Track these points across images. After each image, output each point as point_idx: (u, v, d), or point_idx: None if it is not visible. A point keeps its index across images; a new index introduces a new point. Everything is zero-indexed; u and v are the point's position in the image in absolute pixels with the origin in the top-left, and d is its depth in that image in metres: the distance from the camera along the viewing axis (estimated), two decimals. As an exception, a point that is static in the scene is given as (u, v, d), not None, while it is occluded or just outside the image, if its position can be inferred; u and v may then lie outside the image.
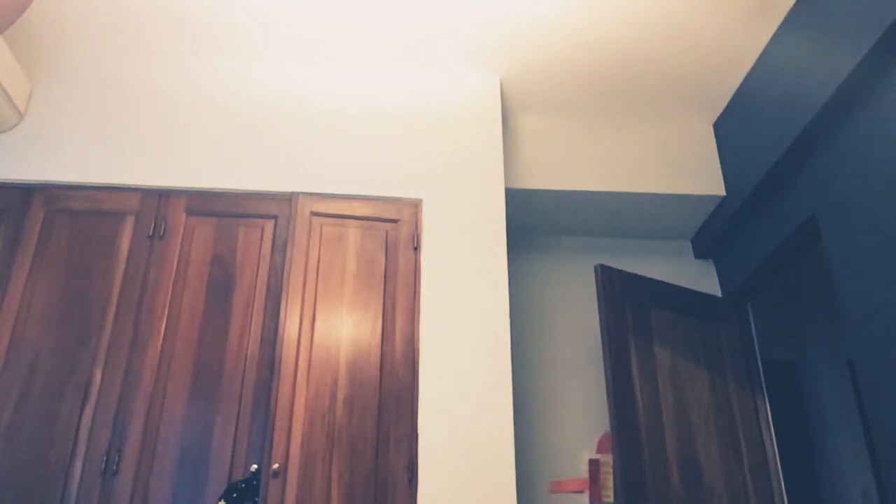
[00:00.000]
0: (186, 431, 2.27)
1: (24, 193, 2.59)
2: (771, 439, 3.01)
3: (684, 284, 3.44)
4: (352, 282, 2.52)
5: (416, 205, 2.69)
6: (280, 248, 2.57)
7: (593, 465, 2.59)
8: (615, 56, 2.89)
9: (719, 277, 3.45)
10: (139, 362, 2.35)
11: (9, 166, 2.64)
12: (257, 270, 2.53)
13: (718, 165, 3.21)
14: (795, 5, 2.60)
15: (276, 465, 2.20)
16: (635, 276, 2.97)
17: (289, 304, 2.43)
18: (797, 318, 4.20)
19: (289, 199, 2.66)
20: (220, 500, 2.15)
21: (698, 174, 3.19)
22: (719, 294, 3.41)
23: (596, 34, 2.78)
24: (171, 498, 2.19)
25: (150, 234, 2.56)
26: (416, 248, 2.61)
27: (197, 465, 2.23)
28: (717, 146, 3.26)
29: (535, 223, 3.44)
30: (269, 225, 2.62)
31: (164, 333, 2.40)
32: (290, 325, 2.40)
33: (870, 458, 3.61)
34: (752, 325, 3.29)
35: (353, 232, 2.61)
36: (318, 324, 2.43)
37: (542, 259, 3.45)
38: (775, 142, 2.68)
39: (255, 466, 2.22)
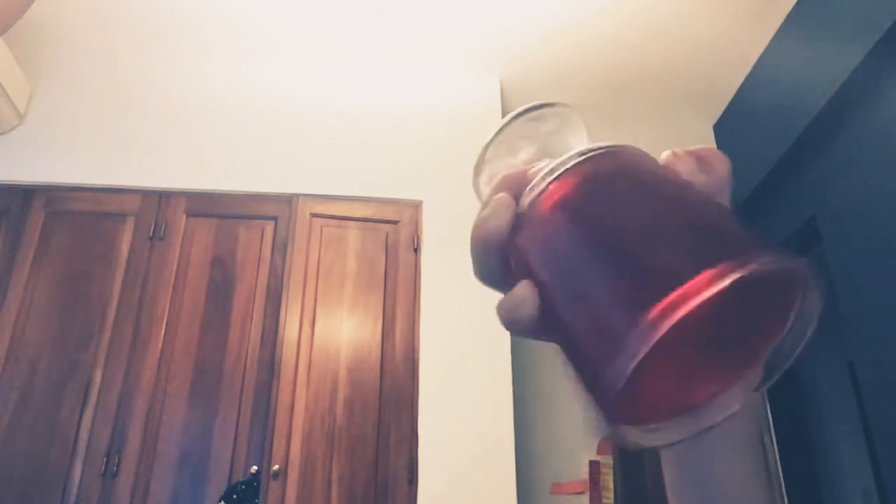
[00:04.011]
0: (186, 433, 2.27)
1: (25, 195, 2.59)
2: (771, 440, 3.00)
3: (684, 285, 3.43)
4: (352, 283, 2.51)
5: (416, 206, 2.69)
6: (280, 249, 2.57)
7: (594, 466, 2.59)
8: (615, 57, 2.89)
9: (719, 278, 3.44)
10: (139, 363, 2.34)
11: (9, 167, 2.64)
12: (257, 272, 2.52)
13: (718, 166, 3.21)
14: (795, 6, 2.60)
15: (276, 467, 2.19)
16: (635, 277, 2.96)
17: (289, 306, 2.43)
18: (797, 320, 4.19)
19: (289, 200, 2.66)
20: (220, 501, 2.15)
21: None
22: (719, 295, 3.40)
23: (596, 35, 2.78)
24: (171, 499, 2.19)
25: (151, 235, 2.56)
26: (417, 250, 2.61)
27: (197, 466, 2.23)
28: (717, 147, 3.25)
29: (535, 224, 3.43)
30: (270, 226, 2.62)
31: (164, 335, 2.40)
32: (291, 327, 2.40)
33: (870, 458, 3.60)
34: (753, 326, 3.28)
35: (353, 233, 2.61)
36: (318, 325, 2.43)
37: (543, 260, 3.43)
38: (775, 143, 2.68)
39: (255, 468, 2.21)
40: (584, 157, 0.29)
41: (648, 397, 0.27)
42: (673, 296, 0.22)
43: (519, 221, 0.30)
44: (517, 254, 0.30)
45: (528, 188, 0.30)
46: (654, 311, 0.22)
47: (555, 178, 0.29)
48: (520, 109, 0.34)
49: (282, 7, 2.66)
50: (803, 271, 0.25)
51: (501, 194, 0.32)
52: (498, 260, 0.32)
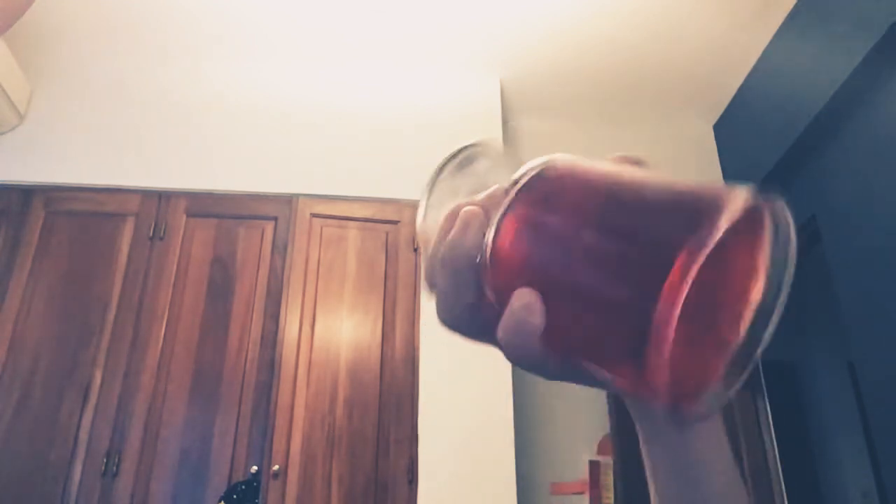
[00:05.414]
0: (186, 433, 2.27)
1: (25, 195, 2.59)
2: (772, 441, 3.00)
3: (684, 286, 3.43)
4: (352, 283, 2.51)
5: (416, 206, 2.67)
6: (280, 249, 2.57)
7: (594, 466, 2.59)
8: (615, 57, 2.89)
9: (719, 279, 3.43)
10: (139, 364, 2.34)
11: (9, 168, 2.64)
12: (257, 272, 2.52)
13: (718, 167, 3.21)
14: (795, 7, 2.60)
15: (276, 467, 2.19)
16: (635, 277, 2.96)
17: (289, 306, 2.43)
18: (798, 320, 4.20)
19: (289, 200, 2.66)
20: (220, 501, 2.15)
21: (698, 175, 3.17)
22: (719, 295, 3.40)
23: (596, 36, 2.78)
24: (170, 499, 2.19)
25: (151, 235, 2.56)
26: (417, 250, 2.61)
27: (197, 466, 2.23)
28: (717, 147, 3.26)
29: (535, 224, 3.43)
30: (270, 226, 2.62)
31: (164, 335, 2.40)
32: (291, 327, 2.40)
33: (870, 459, 3.60)
34: (753, 326, 3.27)
35: (353, 233, 2.61)
36: (318, 325, 2.43)
37: (543, 260, 3.43)
38: (775, 143, 2.68)
39: (255, 468, 2.21)
40: (538, 169, 0.30)
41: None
42: (680, 260, 0.23)
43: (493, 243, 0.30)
44: (501, 271, 0.30)
45: (503, 197, 0.30)
46: (671, 277, 0.23)
47: (522, 189, 0.30)
48: (446, 156, 0.35)
49: (282, 7, 2.66)
50: (762, 205, 0.26)
51: (470, 208, 0.30)
52: (475, 279, 0.30)
